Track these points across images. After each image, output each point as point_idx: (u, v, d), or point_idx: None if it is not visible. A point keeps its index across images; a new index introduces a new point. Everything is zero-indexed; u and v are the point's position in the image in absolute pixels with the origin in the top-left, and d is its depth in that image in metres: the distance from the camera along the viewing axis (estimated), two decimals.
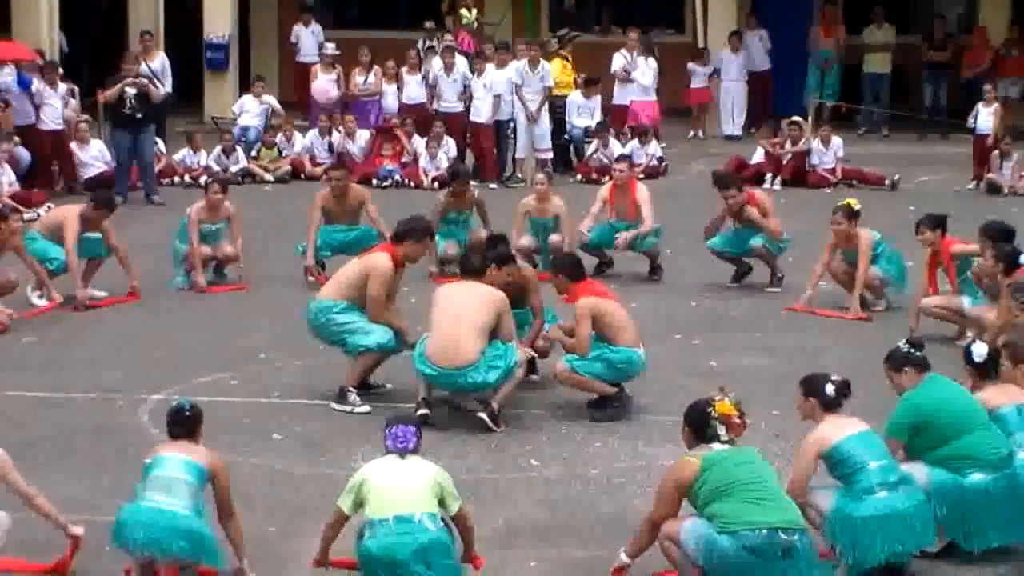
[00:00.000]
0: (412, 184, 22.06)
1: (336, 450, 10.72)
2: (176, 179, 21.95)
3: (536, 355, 11.86)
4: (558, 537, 9.23)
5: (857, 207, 14.48)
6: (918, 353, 9.04)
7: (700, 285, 15.61)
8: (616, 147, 22.35)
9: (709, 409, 8.18)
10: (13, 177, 19.78)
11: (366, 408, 11.44)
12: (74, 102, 21.96)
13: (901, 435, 8.80)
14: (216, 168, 21.78)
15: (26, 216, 16.63)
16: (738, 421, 8.23)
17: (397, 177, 22.20)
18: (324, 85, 23.96)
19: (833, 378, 8.66)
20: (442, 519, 8.08)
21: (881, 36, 26.75)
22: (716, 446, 8.12)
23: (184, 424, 8.40)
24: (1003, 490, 8.74)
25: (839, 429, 8.47)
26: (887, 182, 21.80)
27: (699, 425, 8.20)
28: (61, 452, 10.63)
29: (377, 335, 11.52)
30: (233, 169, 22.12)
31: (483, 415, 11.10)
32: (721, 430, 8.14)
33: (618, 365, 11.35)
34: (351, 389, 11.58)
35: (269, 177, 22.54)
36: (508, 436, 11.06)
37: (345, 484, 8.33)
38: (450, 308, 11.22)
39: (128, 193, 20.48)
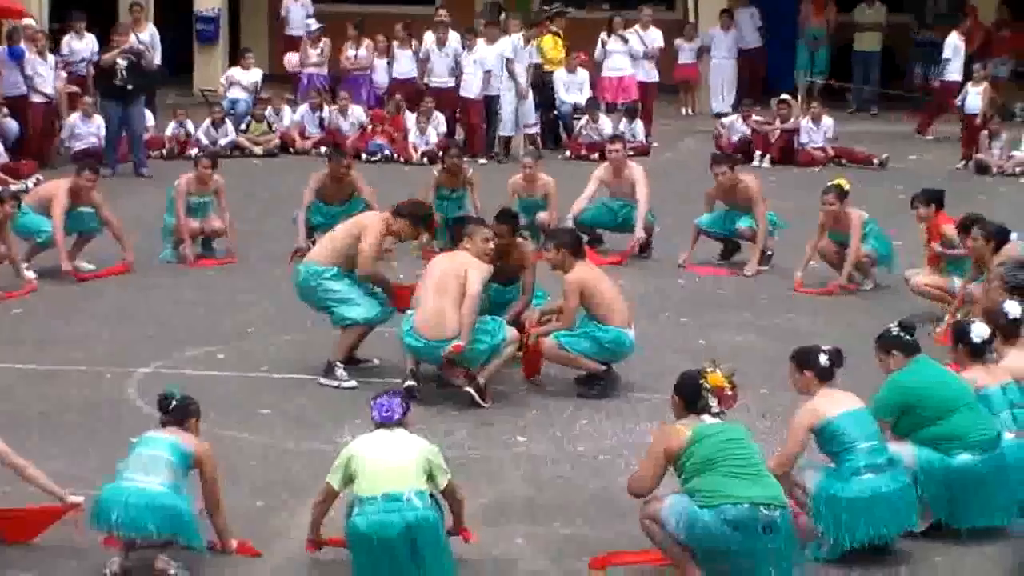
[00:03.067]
0: (402, 159, 22.05)
1: (324, 425, 10.73)
2: (164, 151, 21.93)
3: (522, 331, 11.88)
4: (545, 514, 9.25)
5: (847, 187, 14.52)
6: (908, 337, 9.06)
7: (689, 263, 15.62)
8: (606, 124, 22.33)
9: (701, 381, 8.17)
10: (1, 148, 19.76)
11: (353, 383, 11.45)
12: (63, 74, 21.88)
13: (886, 414, 8.82)
14: (205, 141, 21.78)
15: (13, 188, 16.61)
16: (730, 394, 8.22)
17: (387, 152, 22.19)
18: (295, 59, 24.07)
19: (825, 348, 8.69)
20: (431, 495, 8.11)
21: (872, 15, 26.76)
22: (707, 418, 8.13)
23: (170, 412, 8.44)
24: (990, 471, 8.76)
25: (834, 404, 8.50)
26: (876, 161, 21.82)
27: (691, 396, 8.18)
28: (50, 425, 10.63)
29: (364, 309, 11.52)
30: (222, 142, 22.09)
31: (469, 389, 11.11)
32: (713, 402, 8.14)
33: (605, 344, 11.37)
34: (338, 364, 11.59)
35: (258, 151, 22.52)
36: (495, 413, 11.07)
37: (333, 459, 8.35)
38: (433, 281, 11.24)
39: (117, 165, 20.49)
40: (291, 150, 22.62)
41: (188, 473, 8.33)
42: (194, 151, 19.61)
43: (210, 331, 13.06)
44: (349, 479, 8.13)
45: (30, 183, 18.45)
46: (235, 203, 16.26)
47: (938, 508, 8.78)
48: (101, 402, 11.17)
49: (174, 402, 8.47)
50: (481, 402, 11.10)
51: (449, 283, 11.11)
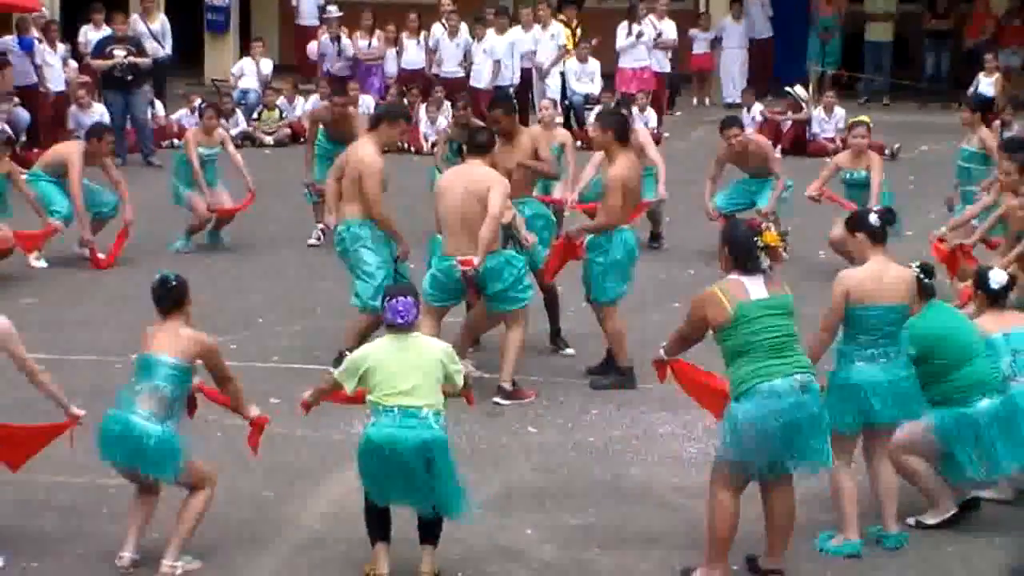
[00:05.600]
0: (412, 148, 22.04)
1: (333, 413, 10.67)
2: (176, 141, 21.96)
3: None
4: (554, 503, 9.25)
5: (871, 123, 14.89)
6: (927, 279, 8.96)
7: (699, 253, 15.59)
8: None
9: (756, 239, 7.97)
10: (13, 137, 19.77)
11: None
12: (73, 63, 21.94)
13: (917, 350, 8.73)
14: None
15: (25, 177, 16.61)
16: (784, 254, 8.06)
17: (397, 142, 22.15)
18: (316, 49, 24.19)
19: (875, 209, 8.68)
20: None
21: (883, 4, 26.70)
22: (751, 285, 7.91)
23: (172, 295, 8.35)
24: (1008, 413, 8.74)
25: (880, 288, 8.46)
26: (887, 151, 21.77)
27: (743, 254, 7.98)
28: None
29: (370, 294, 11.41)
30: (233, 132, 22.07)
31: (499, 399, 11.08)
32: (765, 262, 7.96)
33: (629, 252, 11.49)
34: (348, 352, 11.55)
35: (268, 140, 22.56)
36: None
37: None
38: (455, 208, 11.12)
39: (126, 155, 20.53)
40: (301, 140, 22.59)
41: (189, 383, 8.34)
42: (198, 102, 19.76)
43: (220, 320, 13.01)
44: (361, 383, 8.11)
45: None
46: (243, 192, 16.25)
47: (971, 461, 8.73)
48: (111, 391, 11.09)
49: (173, 283, 8.37)
50: (515, 402, 11.06)
51: (473, 217, 11.00)
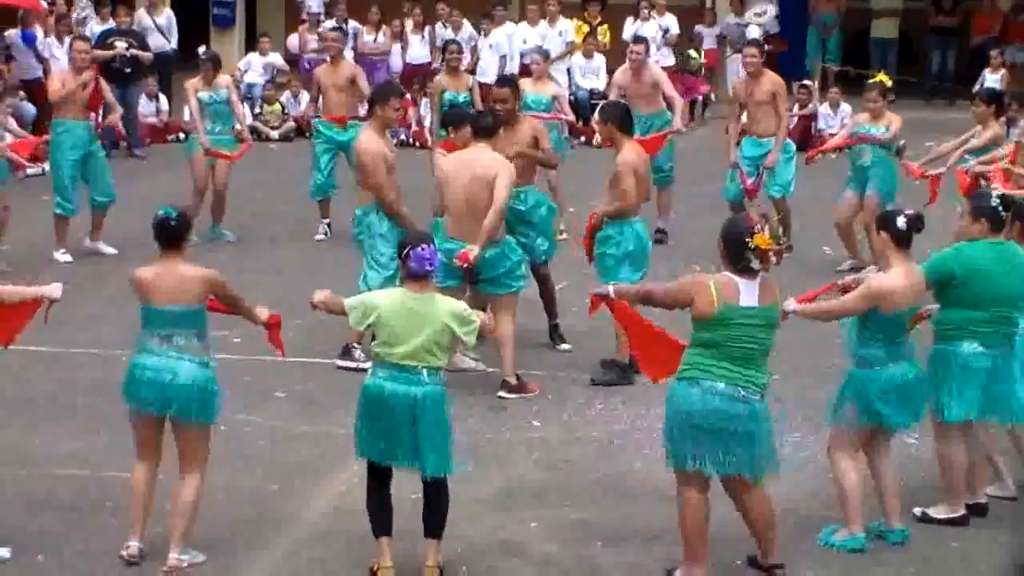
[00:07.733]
0: (418, 144, 22.04)
1: (337, 408, 10.71)
2: (181, 135, 21.97)
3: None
4: (557, 498, 9.24)
5: (889, 83, 14.94)
6: (1004, 212, 8.82)
7: (704, 249, 15.53)
8: None
9: (747, 240, 7.81)
10: (19, 131, 19.76)
11: (370, 365, 11.40)
12: None
13: (935, 276, 8.66)
14: None
15: (29, 171, 16.66)
16: (774, 258, 7.91)
17: (403, 137, 22.18)
18: (294, 42, 24.24)
19: (905, 212, 8.57)
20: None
21: (888, 1, 26.67)
22: (744, 287, 7.78)
23: (179, 231, 8.32)
24: (1013, 365, 8.73)
25: (904, 294, 8.39)
26: (893, 147, 21.71)
27: (732, 252, 7.87)
28: (61, 408, 10.64)
29: (379, 284, 11.30)
30: (238, 127, 22.05)
31: (503, 393, 11.07)
32: (756, 264, 7.83)
33: (641, 246, 11.42)
34: (355, 345, 11.57)
35: (274, 135, 22.58)
36: (508, 397, 11.06)
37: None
38: (461, 195, 11.09)
39: (116, 147, 20.57)
40: (307, 135, 22.61)
41: (205, 318, 8.46)
42: (201, 49, 19.90)
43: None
44: (364, 323, 8.11)
45: (45, 167, 18.47)
46: (247, 187, 16.28)
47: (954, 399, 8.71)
48: (113, 385, 11.10)
49: (174, 221, 8.31)
50: (524, 394, 11.06)
51: (479, 202, 10.98)
